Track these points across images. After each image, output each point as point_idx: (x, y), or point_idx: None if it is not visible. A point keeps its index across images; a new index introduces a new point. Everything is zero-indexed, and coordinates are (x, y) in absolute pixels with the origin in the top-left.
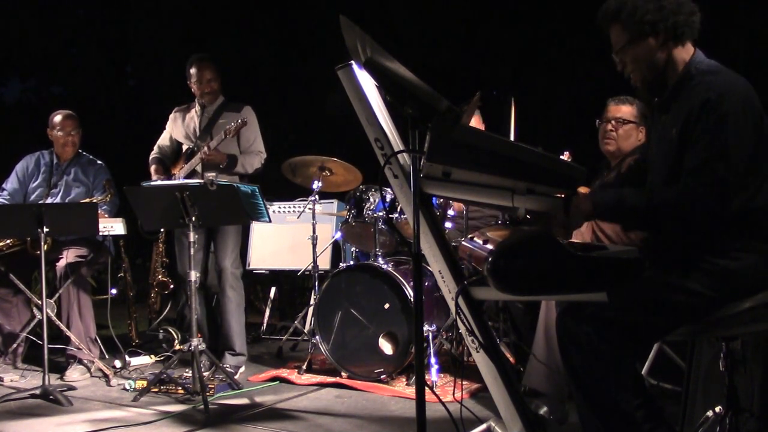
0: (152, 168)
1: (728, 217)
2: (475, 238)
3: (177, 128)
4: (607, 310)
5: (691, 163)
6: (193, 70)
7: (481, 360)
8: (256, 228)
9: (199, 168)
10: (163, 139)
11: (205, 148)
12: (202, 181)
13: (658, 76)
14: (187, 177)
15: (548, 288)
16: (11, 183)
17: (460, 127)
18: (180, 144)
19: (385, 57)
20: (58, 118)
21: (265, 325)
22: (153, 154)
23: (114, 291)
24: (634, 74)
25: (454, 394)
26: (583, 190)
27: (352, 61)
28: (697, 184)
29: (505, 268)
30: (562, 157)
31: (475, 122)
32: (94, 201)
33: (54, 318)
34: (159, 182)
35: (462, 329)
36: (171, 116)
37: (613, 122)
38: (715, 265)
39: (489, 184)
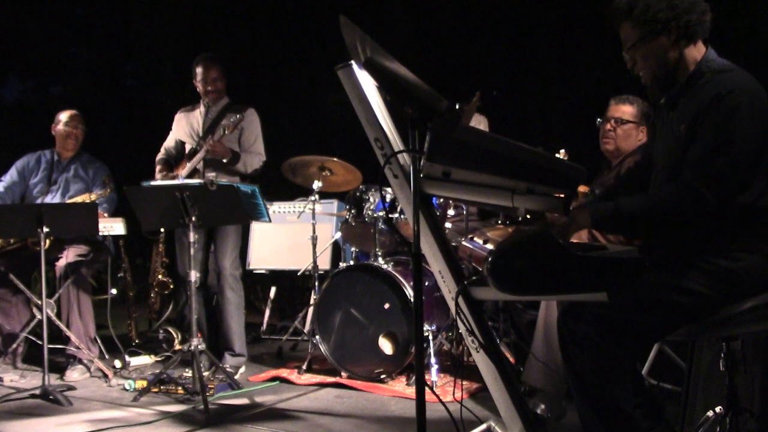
0: (157, 168)
1: (730, 216)
2: (475, 238)
3: (181, 128)
4: (608, 310)
5: (693, 156)
6: (199, 69)
7: (480, 360)
8: (256, 228)
9: (200, 166)
10: (169, 141)
11: (210, 141)
12: (202, 181)
13: (668, 75)
14: (189, 175)
15: (548, 288)
16: (9, 176)
17: (460, 127)
18: (185, 145)
19: (385, 57)
20: (65, 113)
21: (264, 325)
22: (159, 156)
23: (114, 291)
24: (644, 72)
25: (454, 394)
26: (582, 188)
27: (352, 61)
28: (696, 176)
29: (505, 268)
30: (557, 155)
31: (484, 127)
32: (93, 196)
33: (54, 318)
34: (159, 182)
35: (462, 329)
36: (176, 117)
37: (612, 122)
38: (716, 265)
39: (489, 183)
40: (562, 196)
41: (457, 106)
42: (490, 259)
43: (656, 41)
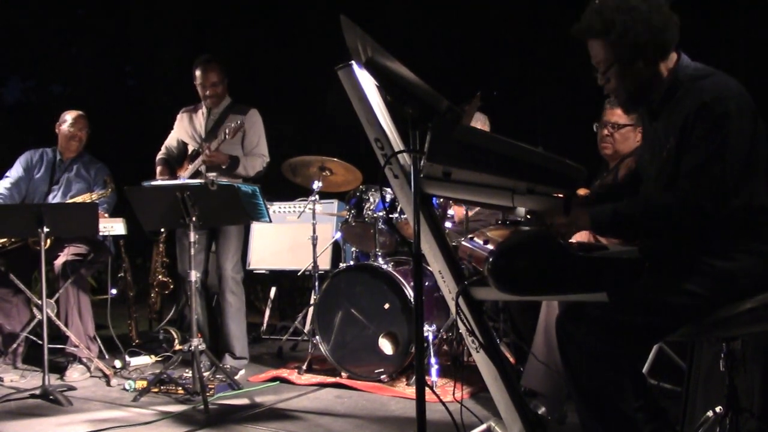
0: (158, 169)
1: (726, 218)
2: (475, 239)
3: (183, 129)
4: (607, 311)
5: (688, 166)
6: (198, 72)
7: (481, 360)
8: (257, 228)
9: (203, 169)
10: (170, 140)
11: (207, 150)
12: (202, 181)
13: (643, 91)
14: (190, 177)
15: (549, 288)
16: (14, 171)
17: (461, 127)
18: (186, 145)
19: (385, 57)
20: (70, 114)
21: (265, 325)
22: (159, 155)
23: (114, 291)
24: (617, 90)
25: (454, 394)
26: (582, 191)
27: (352, 62)
28: (694, 186)
29: (506, 269)
30: None
31: (485, 126)
32: (94, 196)
33: (54, 318)
34: (160, 182)
35: (462, 329)
36: (178, 117)
37: (609, 127)
38: (714, 267)
39: (489, 184)
40: (562, 196)
41: (457, 106)
42: (490, 259)
43: (633, 63)
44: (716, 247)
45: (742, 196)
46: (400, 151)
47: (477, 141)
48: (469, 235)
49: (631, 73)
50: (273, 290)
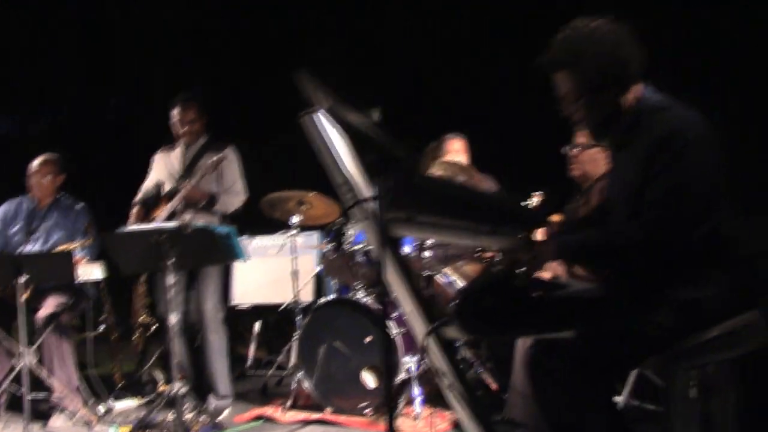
0: (133, 210)
1: (689, 248)
2: (448, 273)
3: (160, 168)
4: (577, 343)
5: (651, 197)
6: (175, 111)
7: (452, 398)
8: (238, 263)
9: (179, 209)
10: (149, 182)
11: (186, 186)
12: (178, 224)
13: (610, 120)
14: (168, 217)
15: (514, 330)
16: None
17: (419, 175)
18: (163, 186)
19: (343, 108)
20: (36, 160)
21: (250, 360)
22: (137, 198)
23: (95, 332)
24: (586, 120)
25: (435, 427)
26: (555, 218)
27: (315, 108)
28: (658, 217)
29: (470, 312)
30: (535, 196)
31: (460, 146)
32: (76, 245)
33: (34, 368)
34: (135, 227)
35: (433, 368)
36: (155, 158)
37: (575, 149)
38: (679, 297)
39: (454, 225)
40: (522, 237)
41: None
42: (455, 302)
43: (600, 94)
44: (680, 277)
45: (705, 225)
46: (361, 201)
47: (435, 188)
48: (444, 269)
49: (598, 104)
50: (257, 325)
